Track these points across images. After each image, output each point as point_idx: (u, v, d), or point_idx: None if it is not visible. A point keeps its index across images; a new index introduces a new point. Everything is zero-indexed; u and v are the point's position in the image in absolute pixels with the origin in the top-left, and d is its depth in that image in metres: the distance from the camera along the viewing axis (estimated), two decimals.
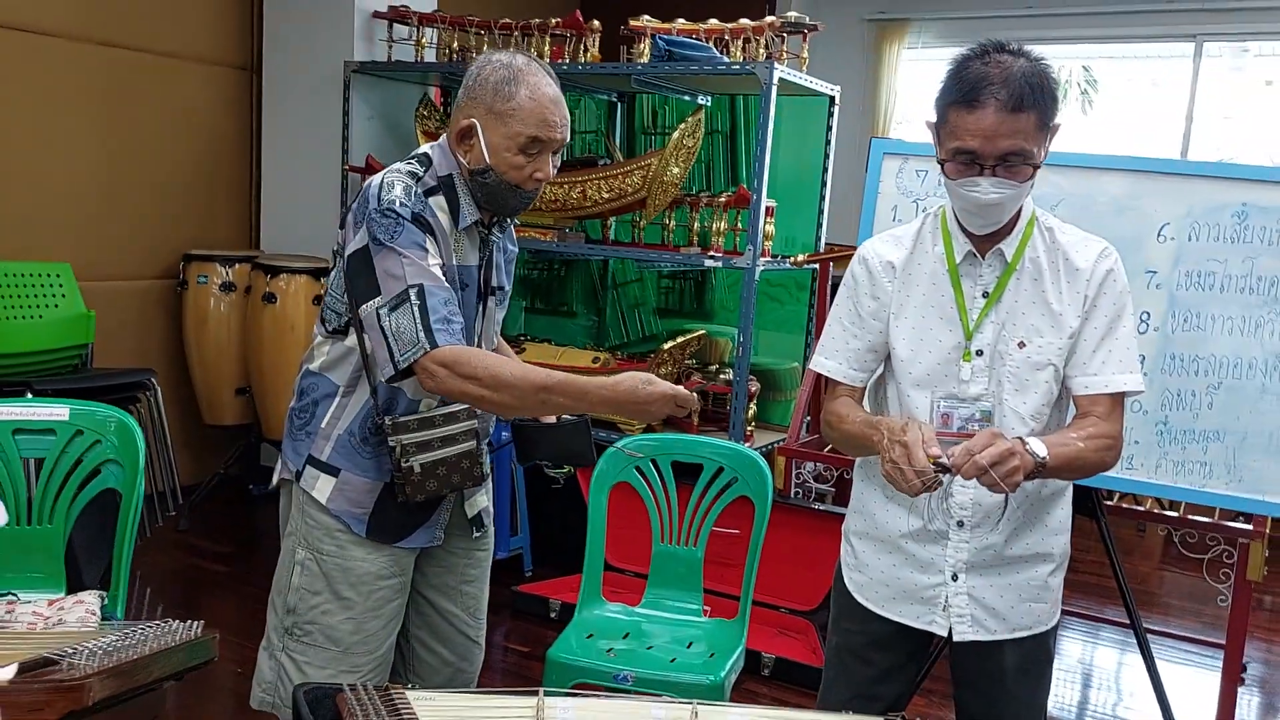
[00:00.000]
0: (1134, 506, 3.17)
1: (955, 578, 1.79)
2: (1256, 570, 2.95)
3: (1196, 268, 2.69)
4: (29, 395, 3.35)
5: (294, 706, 1.59)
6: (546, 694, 1.65)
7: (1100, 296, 1.75)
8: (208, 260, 4.60)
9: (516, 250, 2.13)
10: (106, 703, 1.48)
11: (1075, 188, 2.74)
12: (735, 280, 4.56)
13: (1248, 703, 3.48)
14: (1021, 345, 1.74)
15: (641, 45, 3.92)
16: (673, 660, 2.44)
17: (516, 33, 4.30)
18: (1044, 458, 1.60)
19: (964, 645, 1.81)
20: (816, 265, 4.04)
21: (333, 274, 1.94)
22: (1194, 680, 3.62)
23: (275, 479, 2.03)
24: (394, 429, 1.86)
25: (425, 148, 1.94)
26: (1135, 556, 5.02)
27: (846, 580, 1.93)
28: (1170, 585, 4.71)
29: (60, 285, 4.07)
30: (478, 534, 2.11)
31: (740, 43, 3.82)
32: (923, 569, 1.81)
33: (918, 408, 1.78)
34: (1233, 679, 3.16)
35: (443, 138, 1.94)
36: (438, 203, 1.86)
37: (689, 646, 2.51)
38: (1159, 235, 2.71)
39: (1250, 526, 2.95)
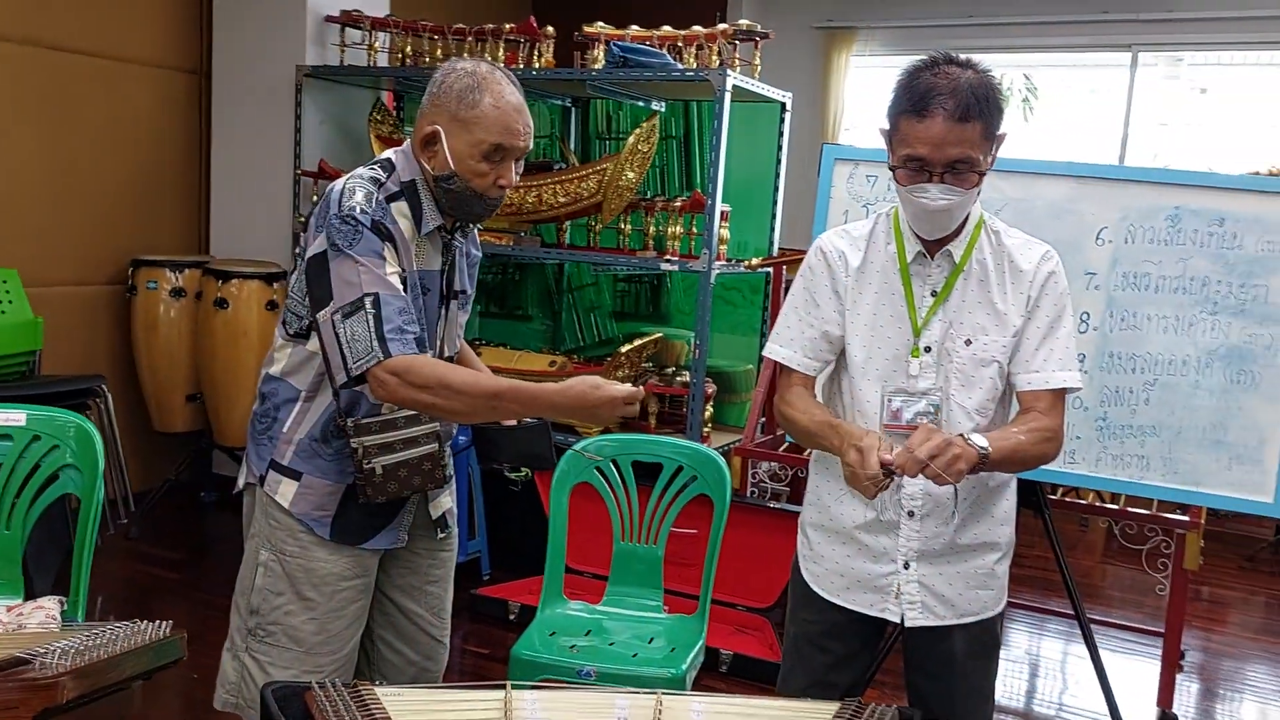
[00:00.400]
0: (1076, 500, 3.28)
1: (907, 566, 1.86)
2: (1193, 560, 3.07)
3: (1133, 269, 2.79)
4: None
5: (262, 705, 1.61)
6: (514, 688, 1.69)
7: (1042, 297, 1.83)
8: (157, 265, 4.56)
9: (480, 255, 2.16)
10: (78, 701, 1.49)
11: (1017, 192, 2.83)
12: (691, 284, 4.62)
13: (1187, 689, 3.61)
14: (968, 343, 1.82)
15: (596, 51, 3.97)
16: (634, 655, 2.48)
17: (470, 38, 4.32)
18: (986, 448, 1.68)
19: (916, 631, 1.88)
20: (770, 269, 4.11)
21: (294, 278, 1.96)
22: (1136, 668, 3.74)
23: (240, 483, 2.04)
24: (356, 431, 1.88)
25: (389, 153, 1.96)
26: (1078, 551, 5.16)
27: (803, 571, 1.99)
28: (1112, 578, 4.85)
29: (7, 291, 4.01)
30: (442, 535, 2.13)
31: (693, 50, 3.88)
32: (876, 558, 1.88)
33: (868, 401, 1.84)
34: (1172, 665, 3.29)
35: (406, 143, 1.97)
36: (400, 208, 1.88)
37: (650, 642, 2.56)
38: (1097, 238, 2.81)
39: (1186, 518, 3.07)
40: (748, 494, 3.90)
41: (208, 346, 4.45)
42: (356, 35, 4.64)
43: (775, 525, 3.56)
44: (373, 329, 1.77)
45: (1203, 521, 3.08)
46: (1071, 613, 2.94)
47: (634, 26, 3.99)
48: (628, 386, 1.83)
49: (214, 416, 4.55)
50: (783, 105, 4.15)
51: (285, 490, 1.93)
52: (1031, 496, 2.77)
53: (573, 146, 4.90)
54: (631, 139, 3.84)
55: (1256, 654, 3.98)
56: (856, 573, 1.90)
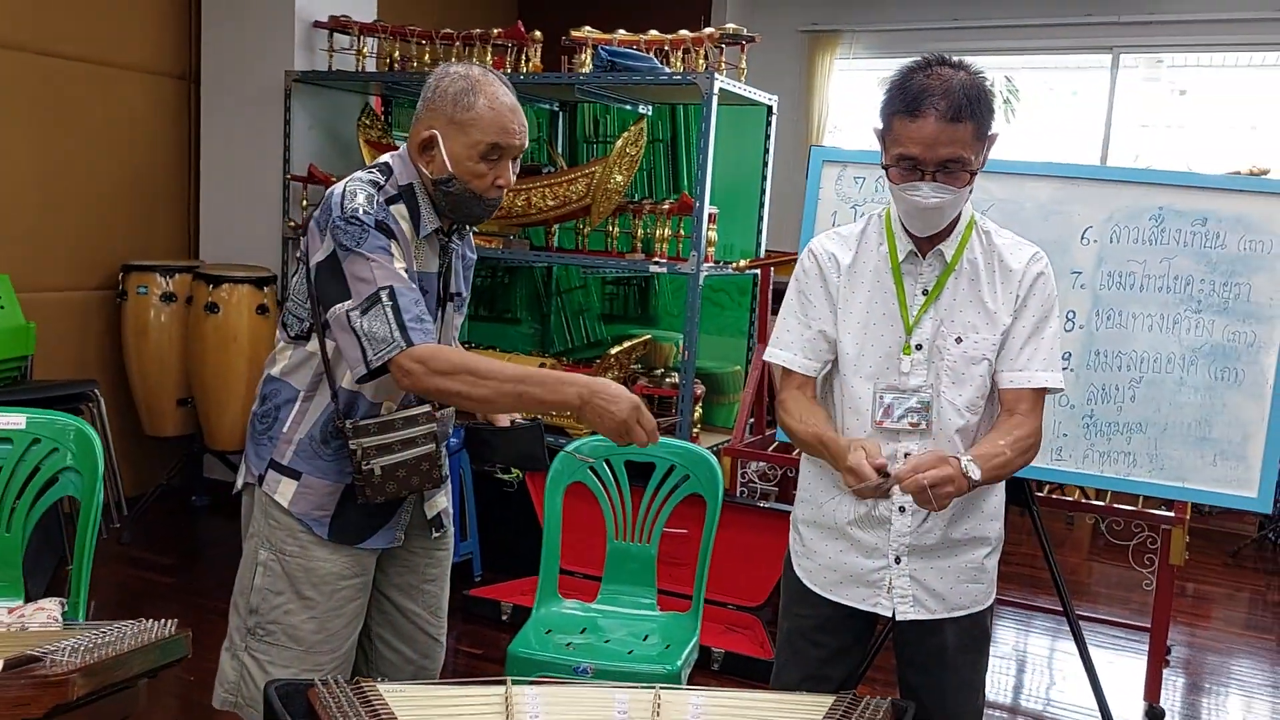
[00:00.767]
0: (1063, 497, 3.32)
1: (898, 561, 1.89)
2: (1178, 555, 3.11)
3: (1118, 268, 2.84)
4: None
5: (266, 703, 1.62)
6: (514, 683, 1.71)
7: (1030, 297, 1.87)
8: (147, 270, 4.56)
9: (475, 257, 2.18)
10: (87, 698, 1.50)
11: (1004, 193, 2.88)
12: (679, 286, 4.65)
13: (1173, 683, 3.65)
14: (959, 341, 1.85)
15: (583, 55, 4.00)
16: (630, 652, 2.51)
17: (458, 43, 4.35)
18: (978, 480, 1.72)
19: (907, 625, 1.91)
20: (758, 270, 4.15)
21: (294, 280, 1.98)
22: (1122, 663, 3.78)
23: (239, 483, 2.06)
24: (354, 432, 1.91)
25: (385, 157, 1.98)
26: (1065, 548, 5.21)
27: (795, 567, 2.02)
28: (1098, 575, 4.90)
29: None
30: (437, 534, 2.15)
31: (680, 53, 3.91)
32: (867, 554, 1.91)
33: (860, 398, 1.88)
34: (1158, 660, 3.33)
35: (402, 147, 1.99)
36: (399, 211, 1.91)
37: (645, 639, 2.59)
38: (1082, 238, 2.86)
39: (1172, 513, 3.12)
40: (737, 494, 3.93)
41: (198, 351, 4.45)
42: (345, 41, 4.65)
43: (765, 525, 3.59)
44: (392, 320, 1.79)
45: (1188, 517, 3.13)
46: (1058, 609, 2.98)
47: (621, 31, 4.03)
48: (652, 421, 1.81)
49: (205, 421, 4.55)
50: (769, 108, 4.19)
51: (285, 490, 1.95)
52: (1019, 494, 2.80)
53: (560, 150, 4.93)
54: (619, 142, 3.87)
55: (1241, 648, 4.04)
56: (849, 568, 1.93)
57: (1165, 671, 3.47)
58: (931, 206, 1.77)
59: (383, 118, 4.83)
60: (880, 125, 1.81)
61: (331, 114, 4.84)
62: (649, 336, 4.22)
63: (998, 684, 3.61)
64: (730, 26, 3.88)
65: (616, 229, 4.13)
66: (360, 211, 1.84)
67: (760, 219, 4.28)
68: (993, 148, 1.82)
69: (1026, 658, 3.90)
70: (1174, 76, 6.32)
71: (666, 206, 3.94)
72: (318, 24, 4.65)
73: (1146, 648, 3.40)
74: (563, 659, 2.44)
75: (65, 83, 4.41)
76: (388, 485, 1.94)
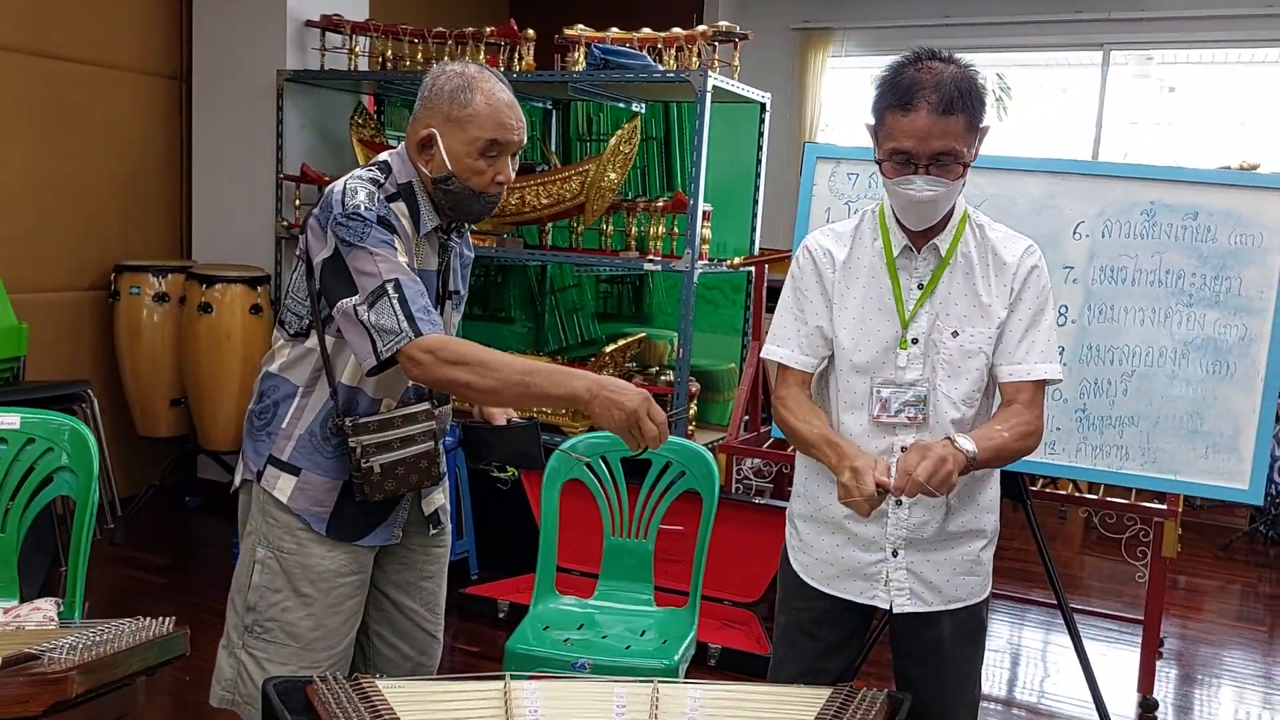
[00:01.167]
0: (1056, 491, 3.34)
1: (895, 554, 1.90)
2: (1171, 547, 3.13)
3: (1110, 263, 2.85)
4: None
5: (264, 700, 1.62)
6: (512, 678, 1.71)
7: (1025, 290, 1.88)
8: (140, 271, 4.55)
9: (472, 255, 2.19)
10: (86, 696, 1.50)
11: (996, 189, 2.89)
12: (673, 284, 4.66)
13: (1166, 675, 3.67)
14: (955, 334, 1.86)
15: (576, 54, 4.00)
16: (627, 648, 2.51)
17: (451, 41, 4.35)
18: (974, 453, 1.73)
19: (904, 617, 1.92)
20: (752, 268, 4.16)
21: (291, 278, 1.98)
22: (1116, 655, 3.80)
23: (237, 480, 2.06)
24: (354, 430, 1.91)
25: (384, 155, 1.99)
26: (1058, 542, 5.23)
27: (792, 562, 2.03)
28: (1091, 569, 4.92)
29: None
30: (435, 531, 2.15)
31: (673, 51, 3.92)
32: (864, 547, 1.92)
33: (856, 392, 1.89)
34: (1152, 652, 3.35)
35: (400, 146, 2.00)
36: (399, 208, 1.91)
37: (642, 634, 2.59)
38: (1075, 233, 2.87)
39: (1164, 506, 3.14)
40: (733, 490, 3.94)
41: (191, 351, 4.45)
42: (337, 40, 4.65)
43: (760, 521, 3.59)
44: (399, 312, 1.79)
45: (1180, 510, 3.14)
46: (1052, 602, 3.00)
47: (614, 29, 4.03)
48: (662, 415, 1.78)
49: (199, 421, 4.55)
50: (762, 105, 4.20)
51: (283, 486, 1.95)
52: (1013, 487, 2.82)
53: (554, 148, 4.93)
54: (613, 140, 3.88)
55: (1233, 640, 4.06)
56: (846, 561, 1.94)
57: (1158, 663, 3.49)
58: (925, 200, 1.78)
59: (375, 117, 4.83)
60: (873, 120, 1.82)
61: (324, 113, 4.83)
62: (643, 335, 4.23)
63: (993, 677, 3.63)
64: (723, 24, 3.89)
65: (610, 227, 4.13)
66: (362, 208, 1.84)
67: (754, 216, 4.29)
68: (984, 142, 1.83)
69: (1021, 651, 3.92)
70: (1164, 73, 6.35)
71: (660, 204, 3.95)
72: (309, 23, 4.64)
73: (1139, 640, 3.42)
74: (560, 655, 2.45)
75: (56, 83, 4.40)
76: (386, 483, 1.94)
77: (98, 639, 1.64)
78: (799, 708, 1.70)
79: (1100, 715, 2.88)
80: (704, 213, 3.78)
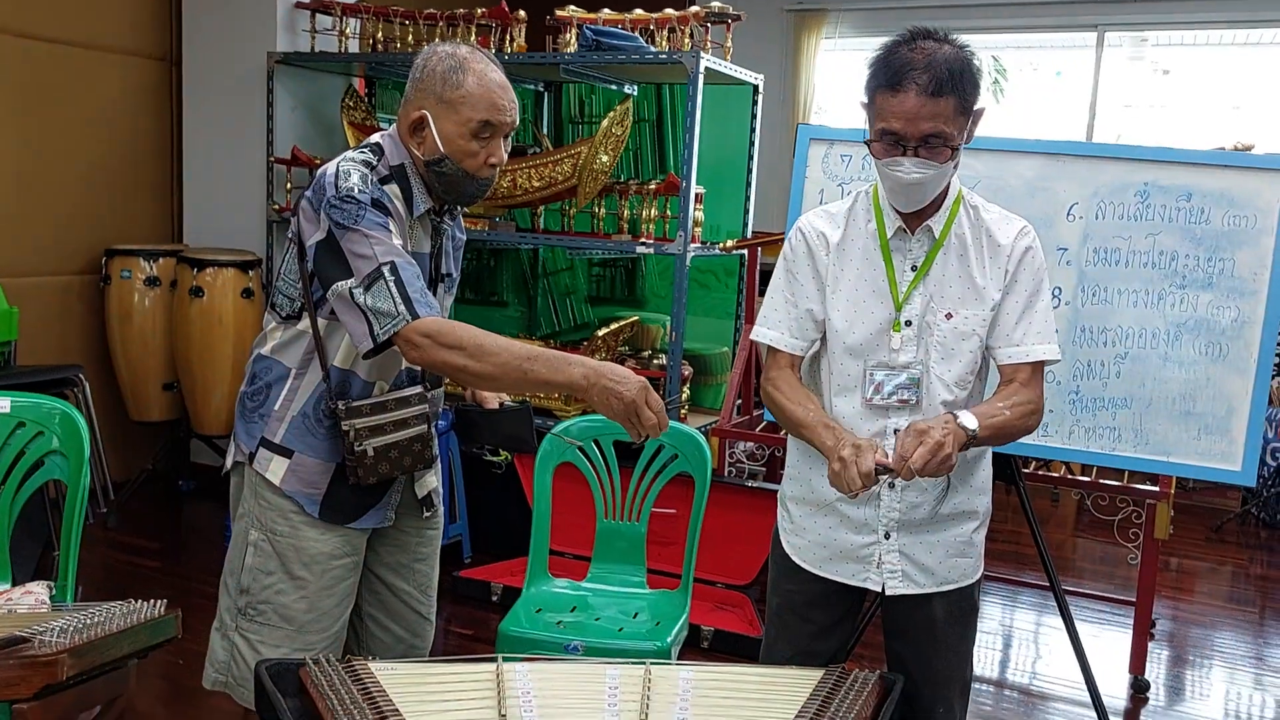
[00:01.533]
0: (1049, 473, 3.34)
1: (888, 536, 1.90)
2: (1163, 529, 3.14)
3: (1103, 245, 2.85)
4: None
5: (257, 682, 1.62)
6: (505, 660, 1.71)
7: (1020, 271, 1.87)
8: (131, 255, 4.53)
9: (464, 238, 2.18)
10: (77, 679, 1.50)
11: (990, 171, 2.88)
12: (665, 267, 4.65)
13: (1158, 656, 3.69)
14: (949, 316, 1.85)
15: (568, 35, 3.98)
16: (620, 630, 2.52)
17: (441, 23, 4.32)
18: (974, 430, 1.73)
19: (895, 599, 1.92)
20: (745, 251, 4.15)
21: (283, 261, 1.97)
22: (1107, 636, 3.82)
23: (228, 462, 2.05)
24: (348, 413, 1.90)
25: (376, 137, 1.97)
26: (1050, 525, 5.25)
27: (784, 544, 2.02)
28: (1083, 551, 4.94)
29: None
30: (428, 513, 2.15)
31: (665, 32, 3.90)
32: (857, 529, 1.92)
33: (849, 375, 1.88)
34: (1143, 633, 3.37)
35: (391, 128, 1.98)
36: (392, 190, 1.90)
37: (635, 616, 2.60)
38: (1068, 214, 2.87)
39: (1156, 488, 3.15)
40: (725, 474, 3.94)
41: (183, 335, 4.43)
42: (327, 21, 4.61)
43: (753, 504, 3.60)
44: (396, 294, 1.78)
45: (1172, 492, 3.15)
46: (1044, 585, 3.01)
47: (606, 10, 4.01)
48: (660, 403, 1.77)
49: (191, 405, 4.53)
50: (755, 87, 4.18)
51: (276, 468, 1.94)
52: (1005, 470, 2.82)
53: (546, 131, 4.91)
54: (605, 122, 3.86)
55: (1224, 621, 4.08)
56: (838, 544, 1.94)
57: (1150, 644, 3.50)
58: (913, 182, 1.77)
59: (366, 99, 4.80)
60: (865, 99, 1.81)
61: (314, 96, 4.80)
62: (636, 318, 4.22)
63: (986, 659, 3.64)
64: (716, 5, 3.87)
65: (603, 210, 4.12)
66: (356, 190, 1.83)
67: (747, 199, 4.27)
68: (979, 124, 1.81)
69: (1014, 633, 3.93)
70: (1158, 55, 6.34)
71: (653, 187, 3.94)
72: (299, 4, 4.61)
73: (1131, 621, 3.44)
74: (553, 637, 2.45)
75: (45, 66, 4.37)
76: (380, 466, 1.94)
77: (89, 622, 1.63)
78: (791, 689, 1.71)
79: (1092, 696, 2.89)
80: (697, 195, 3.77)
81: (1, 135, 4.24)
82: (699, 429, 3.91)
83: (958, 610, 1.95)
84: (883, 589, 1.91)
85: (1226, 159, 2.85)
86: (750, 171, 4.26)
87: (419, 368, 2.01)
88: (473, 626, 3.58)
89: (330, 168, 1.88)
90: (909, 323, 1.86)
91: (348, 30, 4.58)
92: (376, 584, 2.13)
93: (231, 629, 1.99)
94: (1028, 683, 3.50)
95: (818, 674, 1.76)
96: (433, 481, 2.15)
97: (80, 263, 4.60)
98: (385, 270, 1.79)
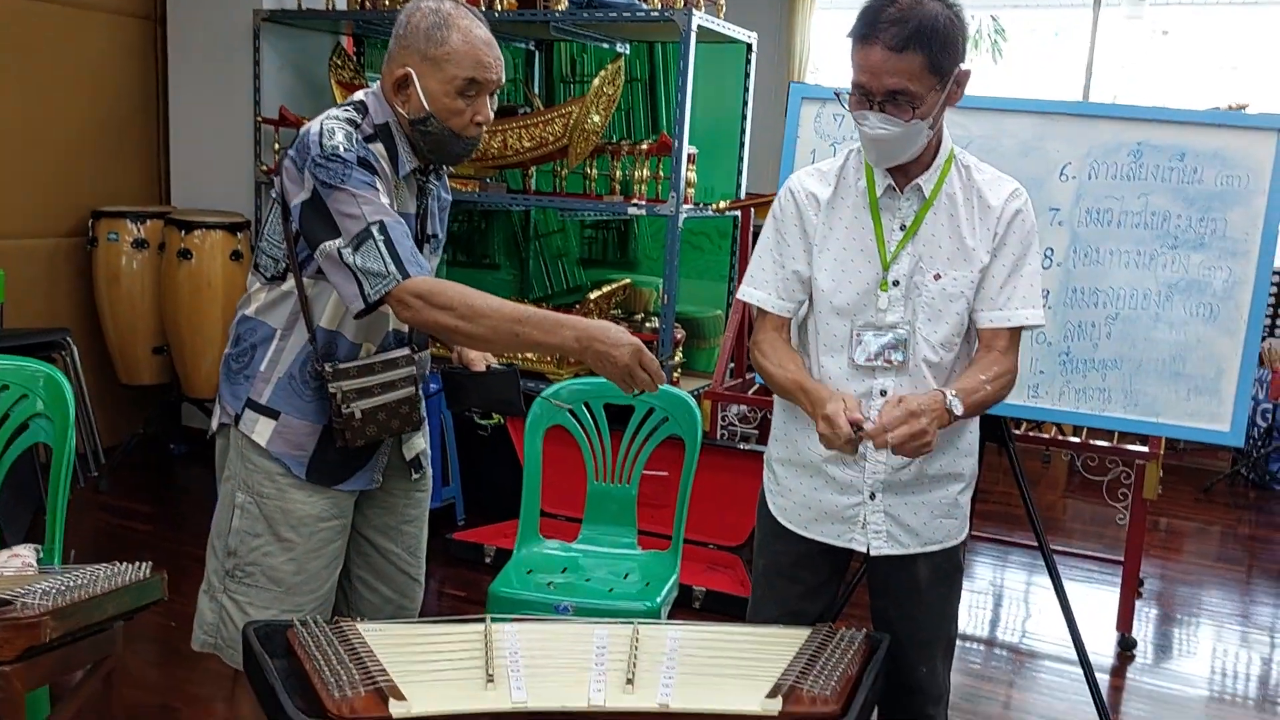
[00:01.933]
0: (1039, 434, 3.35)
1: (873, 497, 1.90)
2: (1152, 489, 3.15)
3: (1096, 205, 2.83)
4: None
5: (244, 644, 1.63)
6: (493, 620, 1.72)
7: (1009, 234, 1.85)
8: (118, 217, 4.49)
9: (450, 198, 2.15)
10: (61, 641, 1.50)
11: (982, 130, 2.85)
12: (658, 229, 4.62)
13: (1146, 614, 3.72)
14: (937, 277, 1.84)
15: None
16: (610, 590, 2.53)
17: None
18: (959, 415, 1.74)
19: (881, 559, 1.92)
20: (738, 212, 4.12)
21: (267, 221, 1.95)
22: (1096, 595, 3.85)
23: (214, 425, 2.04)
24: (334, 375, 1.89)
25: (359, 94, 1.94)
26: (1040, 486, 5.27)
27: (770, 505, 2.02)
28: (1073, 512, 4.97)
29: None
30: (416, 475, 2.15)
31: None
32: (842, 490, 1.91)
33: (836, 335, 1.87)
34: (1131, 592, 3.39)
35: (375, 85, 1.95)
36: (377, 149, 1.87)
37: (625, 577, 2.61)
38: (1061, 174, 2.85)
39: (1146, 449, 3.15)
40: (718, 437, 3.95)
41: (172, 298, 4.41)
42: None
43: (745, 466, 3.60)
44: (385, 254, 1.76)
45: (1161, 452, 3.16)
46: (1033, 544, 3.02)
47: None
48: (655, 363, 1.77)
49: (181, 368, 4.52)
50: (748, 46, 4.13)
51: (262, 429, 1.93)
52: (996, 431, 2.82)
53: (537, 91, 4.86)
54: (597, 81, 3.82)
55: (1211, 580, 4.11)
56: (823, 505, 1.93)
57: (1138, 603, 3.53)
58: (878, 137, 1.75)
59: (355, 58, 4.74)
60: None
61: (302, 54, 4.74)
62: (628, 281, 4.20)
63: (975, 618, 3.67)
64: None
65: (594, 171, 4.08)
66: (341, 149, 1.80)
67: (740, 160, 4.24)
68: (964, 87, 1.78)
69: (1003, 592, 3.96)
70: (1155, 15, 6.27)
71: (645, 147, 3.90)
72: None
73: (1119, 580, 3.46)
74: (543, 598, 2.46)
75: (27, 24, 4.30)
76: (367, 428, 1.93)
77: (73, 584, 1.63)
78: (778, 647, 1.72)
79: (1079, 653, 2.91)
80: (689, 156, 3.74)
81: None
82: (693, 391, 3.92)
83: (942, 571, 1.95)
84: (868, 549, 1.92)
85: (1220, 118, 2.83)
86: (744, 132, 4.22)
87: (406, 329, 2.00)
88: (466, 588, 3.60)
89: (314, 126, 1.85)
90: (896, 283, 1.84)
91: None
92: (365, 546, 2.13)
93: (219, 591, 1.99)
94: (1016, 641, 3.53)
95: (804, 632, 1.77)
96: (420, 444, 2.14)
97: (67, 225, 4.56)
98: (374, 230, 1.77)
